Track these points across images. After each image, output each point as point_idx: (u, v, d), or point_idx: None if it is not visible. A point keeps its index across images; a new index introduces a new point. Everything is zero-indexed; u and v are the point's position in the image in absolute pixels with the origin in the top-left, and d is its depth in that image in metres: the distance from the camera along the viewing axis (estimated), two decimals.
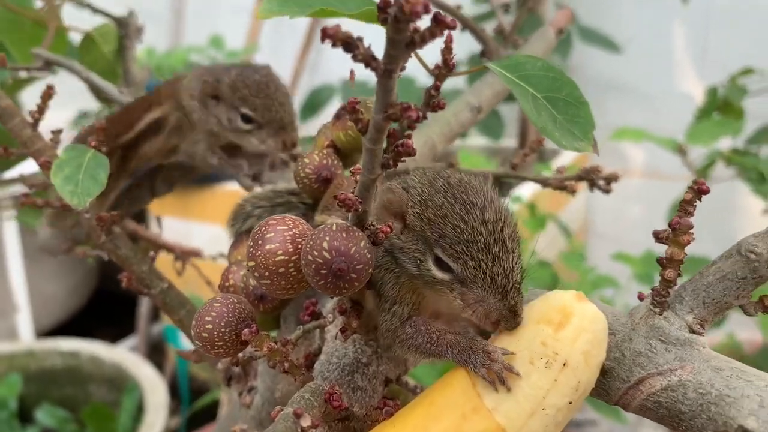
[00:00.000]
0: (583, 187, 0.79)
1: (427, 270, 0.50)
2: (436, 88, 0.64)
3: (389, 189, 0.52)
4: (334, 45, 0.36)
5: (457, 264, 0.49)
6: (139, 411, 2.30)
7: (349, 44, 0.37)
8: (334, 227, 0.46)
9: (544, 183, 0.78)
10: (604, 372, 0.50)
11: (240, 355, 0.58)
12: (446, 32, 0.65)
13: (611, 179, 0.79)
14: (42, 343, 2.57)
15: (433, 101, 0.64)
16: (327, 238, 0.45)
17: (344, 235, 0.46)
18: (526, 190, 2.34)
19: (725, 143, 2.31)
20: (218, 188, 2.49)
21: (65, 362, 2.50)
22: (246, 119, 0.79)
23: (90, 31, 1.13)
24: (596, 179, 0.78)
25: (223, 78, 0.80)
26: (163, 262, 0.85)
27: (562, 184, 0.78)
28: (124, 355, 2.47)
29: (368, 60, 0.38)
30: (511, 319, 0.49)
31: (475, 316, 0.49)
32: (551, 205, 2.44)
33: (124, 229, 0.79)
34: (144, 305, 2.86)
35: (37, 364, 2.50)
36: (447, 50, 0.62)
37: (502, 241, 0.49)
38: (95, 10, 1.15)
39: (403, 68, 0.40)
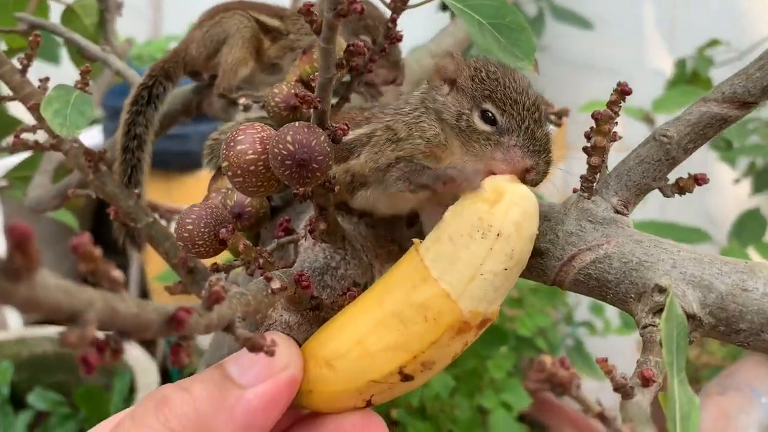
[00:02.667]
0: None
1: (469, 123, 0.58)
2: (393, 20, 0.70)
3: (449, 55, 0.62)
4: None
5: (504, 116, 0.57)
6: (131, 392, 2.35)
7: None
8: (297, 124, 0.52)
9: None
10: (542, 253, 0.56)
11: (222, 263, 0.64)
12: None
13: (562, 114, 0.85)
14: (32, 330, 2.61)
15: (390, 33, 0.70)
16: (291, 133, 0.51)
17: (306, 130, 0.52)
18: None
19: None
20: (202, 173, 2.54)
21: (56, 348, 2.53)
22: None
23: (71, 4, 1.19)
24: (548, 114, 0.84)
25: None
26: None
27: None
28: None
29: None
30: (544, 171, 0.57)
31: (506, 161, 0.57)
32: None
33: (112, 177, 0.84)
34: (133, 292, 2.90)
35: (29, 351, 2.54)
36: None
37: (540, 115, 0.58)
38: None
39: None
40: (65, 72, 1.19)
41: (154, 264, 2.67)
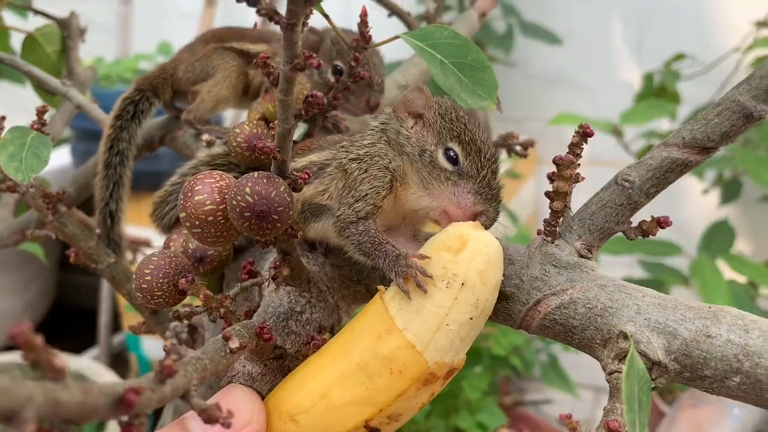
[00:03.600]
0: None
1: (432, 158, 0.59)
2: (356, 59, 0.69)
3: (419, 88, 0.62)
4: (239, 0, 0.41)
5: (467, 159, 0.58)
6: None
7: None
8: (256, 175, 0.51)
9: None
10: (507, 298, 0.56)
11: (182, 309, 0.62)
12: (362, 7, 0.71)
13: (527, 145, 0.85)
14: (0, 356, 2.55)
15: (354, 71, 0.69)
16: (249, 184, 0.50)
17: (265, 181, 0.51)
18: None
19: (665, 126, 2.43)
20: None
21: (25, 375, 2.47)
22: (337, 71, 0.81)
23: (32, 32, 1.16)
24: (513, 145, 0.84)
25: (326, 34, 0.83)
26: None
27: None
28: (85, 364, 2.46)
29: (271, 14, 0.43)
30: (494, 217, 0.58)
31: (458, 204, 0.58)
32: None
33: (72, 217, 0.82)
34: (104, 315, 2.85)
35: None
36: (363, 24, 0.68)
37: (497, 167, 0.59)
38: (36, 12, 1.18)
39: (305, 23, 0.45)
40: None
41: None
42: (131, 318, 2.74)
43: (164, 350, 0.39)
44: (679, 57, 2.34)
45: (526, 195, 2.80)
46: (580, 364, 2.10)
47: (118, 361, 2.96)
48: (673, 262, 2.12)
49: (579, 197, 0.59)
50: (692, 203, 2.66)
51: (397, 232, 0.63)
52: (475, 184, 0.58)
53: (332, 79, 0.81)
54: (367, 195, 0.59)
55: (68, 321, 3.20)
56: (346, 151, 0.62)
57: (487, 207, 0.58)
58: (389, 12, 1.01)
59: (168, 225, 0.77)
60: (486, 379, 1.71)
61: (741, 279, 2.02)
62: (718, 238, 2.19)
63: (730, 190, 2.41)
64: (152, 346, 2.75)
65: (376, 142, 0.62)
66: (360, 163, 0.61)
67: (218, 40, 0.93)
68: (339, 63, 0.82)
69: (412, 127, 0.62)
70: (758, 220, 2.61)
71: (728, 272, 1.96)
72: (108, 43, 2.98)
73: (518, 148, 0.84)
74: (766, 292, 2.06)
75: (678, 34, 2.64)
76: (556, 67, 2.87)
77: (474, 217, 0.57)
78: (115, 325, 2.94)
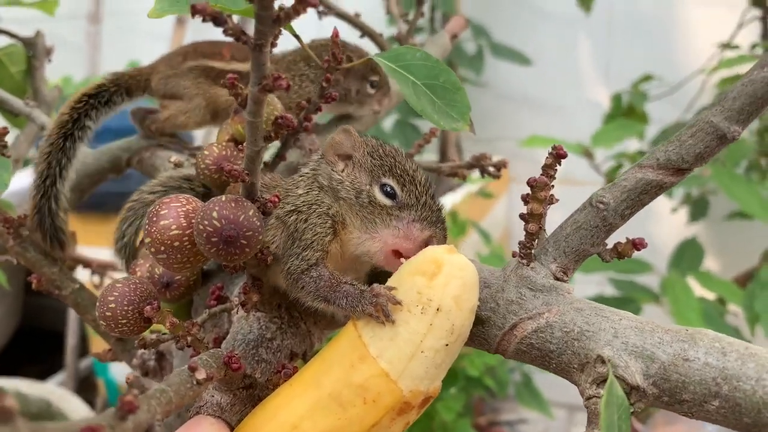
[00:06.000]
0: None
1: (370, 197, 0.59)
2: (327, 80, 0.68)
3: (345, 130, 0.62)
4: (204, 20, 0.40)
5: (403, 191, 0.58)
6: None
7: (218, 19, 0.41)
8: (223, 198, 0.50)
9: (438, 171, 0.83)
10: (483, 322, 0.55)
11: (149, 337, 0.60)
12: (333, 27, 0.70)
13: (500, 166, 0.85)
14: None
15: (325, 93, 0.68)
16: (216, 208, 0.49)
17: (233, 204, 0.49)
18: (449, 200, 2.42)
19: (633, 146, 2.46)
20: None
21: None
22: (373, 85, 0.89)
23: None
24: (486, 166, 0.83)
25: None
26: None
27: (453, 172, 0.83)
28: (50, 390, 2.39)
29: (238, 34, 0.42)
30: (443, 236, 0.58)
31: (406, 236, 0.57)
32: (473, 214, 2.52)
33: (35, 242, 0.80)
34: (71, 339, 2.78)
35: None
36: (335, 45, 0.67)
37: (432, 192, 0.60)
38: (0, 32, 1.16)
39: (274, 44, 0.44)
40: None
41: None
42: (99, 341, 2.67)
43: (126, 383, 0.37)
44: (647, 78, 2.38)
45: (498, 214, 2.81)
46: (553, 383, 2.10)
47: (86, 386, 2.89)
48: (644, 280, 2.13)
49: (550, 216, 0.59)
50: (661, 221, 2.70)
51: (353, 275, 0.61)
52: (417, 212, 0.58)
53: (370, 91, 0.90)
54: (313, 242, 0.57)
55: (35, 345, 3.12)
56: (282, 202, 0.60)
57: (434, 230, 0.58)
58: (361, 33, 1.00)
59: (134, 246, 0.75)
60: (460, 400, 1.70)
61: (710, 296, 2.04)
62: (688, 255, 2.21)
63: (698, 209, 2.44)
64: (120, 371, 2.69)
65: (310, 190, 0.61)
66: (299, 214, 0.59)
67: (199, 56, 0.90)
68: (375, 78, 0.89)
69: (342, 170, 0.61)
70: (725, 237, 2.65)
71: (698, 289, 1.97)
72: (77, 62, 2.95)
73: (491, 169, 0.84)
74: (734, 309, 2.08)
75: (645, 55, 2.69)
76: (526, 88, 2.90)
77: (425, 244, 0.57)
78: (83, 349, 2.87)
